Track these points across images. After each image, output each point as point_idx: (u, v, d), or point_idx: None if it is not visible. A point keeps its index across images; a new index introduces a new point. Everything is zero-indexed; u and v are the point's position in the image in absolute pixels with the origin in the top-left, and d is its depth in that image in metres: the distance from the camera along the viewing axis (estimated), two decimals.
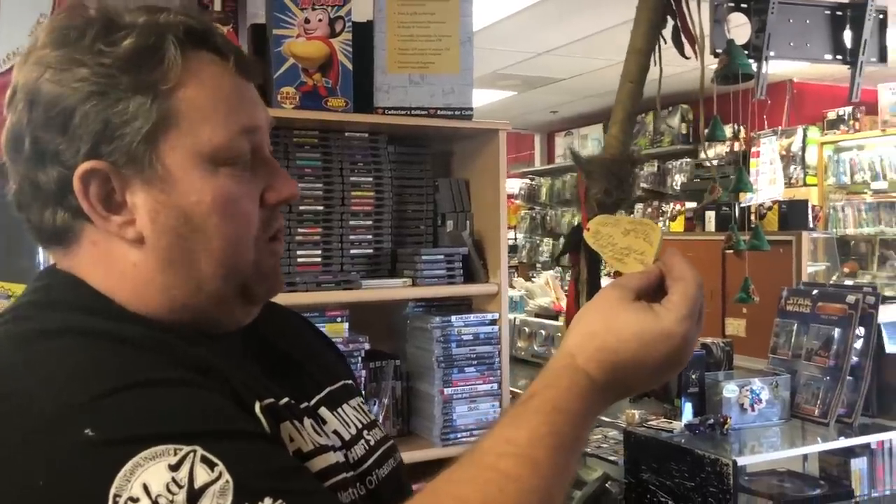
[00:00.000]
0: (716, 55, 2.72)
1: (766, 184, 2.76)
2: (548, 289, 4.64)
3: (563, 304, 4.02)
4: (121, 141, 0.70)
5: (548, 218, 8.02)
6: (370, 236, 2.12)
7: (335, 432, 0.84)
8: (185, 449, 0.58)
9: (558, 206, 7.85)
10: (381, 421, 2.09)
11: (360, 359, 1.99)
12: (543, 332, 3.86)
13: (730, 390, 2.71)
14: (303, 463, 0.72)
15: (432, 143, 2.28)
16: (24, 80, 0.72)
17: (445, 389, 2.08)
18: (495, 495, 0.62)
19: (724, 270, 3.33)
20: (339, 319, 2.03)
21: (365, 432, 0.88)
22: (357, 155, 2.11)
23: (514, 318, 4.07)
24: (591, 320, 0.73)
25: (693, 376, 2.77)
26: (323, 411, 0.85)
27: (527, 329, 3.98)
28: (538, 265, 7.60)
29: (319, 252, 2.06)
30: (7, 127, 0.73)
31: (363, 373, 2.00)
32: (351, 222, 2.09)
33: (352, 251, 2.09)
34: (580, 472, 3.46)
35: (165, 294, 0.74)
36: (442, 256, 2.12)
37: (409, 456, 2.07)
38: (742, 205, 2.70)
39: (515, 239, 8.79)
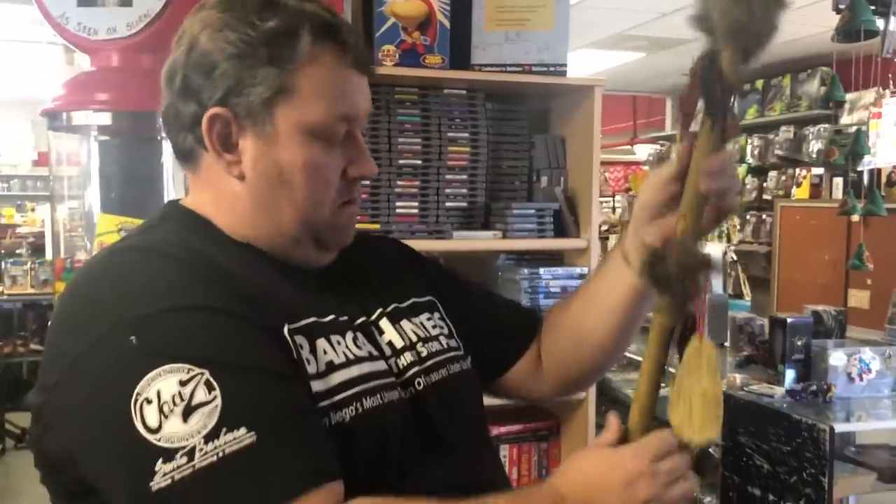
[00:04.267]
0: (838, 11, 2.61)
1: (890, 147, 2.62)
2: None
3: None
4: (246, 98, 0.86)
5: None
6: (465, 190, 2.22)
7: (389, 343, 0.97)
8: (196, 371, 0.72)
9: None
10: None
11: None
12: None
13: (837, 358, 2.64)
14: (331, 373, 0.84)
15: (530, 100, 2.34)
16: (191, 30, 0.89)
17: None
18: None
19: (849, 240, 3.20)
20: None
21: (419, 344, 1.00)
22: (454, 111, 2.20)
23: None
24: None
25: (799, 343, 2.71)
26: (383, 323, 0.98)
27: None
28: None
29: (416, 204, 2.17)
30: (169, 62, 0.91)
31: None
32: (447, 176, 2.19)
33: (447, 204, 2.19)
34: None
35: (254, 226, 0.91)
36: (533, 211, 2.19)
37: (493, 400, 2.18)
38: (860, 169, 2.58)
39: None
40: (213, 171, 0.91)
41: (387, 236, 1.26)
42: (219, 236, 0.90)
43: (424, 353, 1.00)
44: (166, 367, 0.72)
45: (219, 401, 0.71)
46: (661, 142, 8.26)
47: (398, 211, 2.15)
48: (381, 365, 0.93)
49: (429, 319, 1.06)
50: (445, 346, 1.04)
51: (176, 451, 0.69)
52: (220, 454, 0.69)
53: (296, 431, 0.75)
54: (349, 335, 0.91)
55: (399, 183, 2.15)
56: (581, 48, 6.12)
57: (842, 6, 2.62)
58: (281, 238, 0.91)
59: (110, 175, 1.89)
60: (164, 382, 0.71)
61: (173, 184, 1.91)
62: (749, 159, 6.68)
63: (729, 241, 6.33)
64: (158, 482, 0.68)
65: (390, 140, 2.14)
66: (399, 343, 0.98)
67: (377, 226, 2.09)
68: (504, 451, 2.30)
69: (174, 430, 0.69)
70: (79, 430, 0.75)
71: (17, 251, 6.21)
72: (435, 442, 0.94)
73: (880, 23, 2.53)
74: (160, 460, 0.69)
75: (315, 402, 0.81)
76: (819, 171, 4.01)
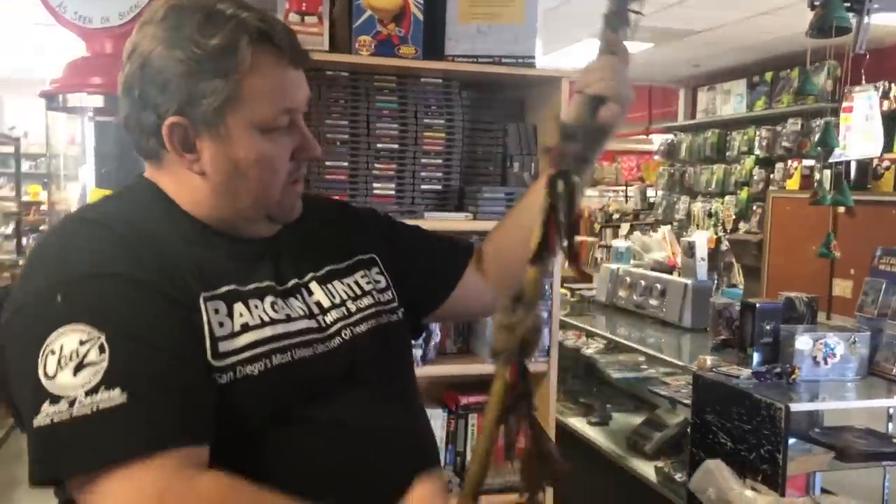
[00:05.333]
0: (813, 7, 2.70)
1: (860, 140, 2.70)
2: (664, 243, 4.68)
3: (679, 259, 4.08)
4: (199, 108, 0.98)
5: (686, 175, 7.88)
6: (440, 174, 2.35)
7: (317, 303, 1.11)
8: (95, 334, 0.85)
9: (698, 164, 7.69)
10: (439, 339, 2.34)
11: None
12: (643, 282, 3.95)
13: (803, 342, 2.74)
14: (244, 333, 0.97)
15: (506, 89, 2.46)
16: (141, 46, 0.99)
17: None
18: None
19: (836, 231, 3.28)
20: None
21: (349, 301, 1.14)
22: (431, 99, 2.33)
23: (618, 269, 4.18)
24: None
25: (767, 327, 2.81)
26: (313, 286, 1.12)
27: (628, 279, 4.08)
28: (673, 224, 7.52)
29: (393, 186, 2.31)
30: (124, 74, 1.02)
31: None
32: (423, 160, 2.32)
33: (422, 186, 2.33)
34: (663, 415, 3.58)
35: (212, 209, 1.06)
36: (503, 195, 2.31)
37: (466, 369, 2.32)
38: (832, 161, 2.67)
39: (656, 195, 8.70)
40: (175, 167, 1.04)
41: (333, 199, 1.41)
42: (176, 212, 1.04)
43: (353, 309, 1.13)
44: (73, 326, 0.85)
45: (105, 363, 0.83)
46: (674, 131, 8.31)
47: (375, 192, 2.28)
48: (304, 323, 1.06)
49: (363, 276, 1.19)
50: (376, 301, 1.18)
51: (60, 398, 0.82)
52: (95, 408, 0.81)
53: (167, 400, 0.86)
54: (268, 300, 1.03)
55: (377, 166, 2.29)
56: (586, 38, 6.20)
57: (816, 3, 2.71)
58: (235, 218, 1.06)
59: (105, 153, 2.04)
60: (67, 339, 0.84)
61: None
62: (756, 150, 6.74)
63: (725, 230, 6.40)
64: (39, 421, 0.82)
65: (368, 125, 2.27)
66: (326, 303, 1.11)
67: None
68: (473, 420, 2.44)
69: (64, 381, 0.82)
70: (9, 362, 0.91)
71: (41, 227, 6.49)
72: (351, 386, 1.06)
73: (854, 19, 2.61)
74: (47, 402, 0.82)
75: (221, 362, 0.94)
76: (810, 162, 4.08)
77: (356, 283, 1.18)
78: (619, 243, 4.38)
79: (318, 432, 1.00)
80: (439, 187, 2.35)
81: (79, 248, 0.96)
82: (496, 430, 0.89)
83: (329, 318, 1.10)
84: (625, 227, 8.49)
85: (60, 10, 1.88)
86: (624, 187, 9.99)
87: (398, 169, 2.31)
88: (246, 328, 0.98)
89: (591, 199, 10.46)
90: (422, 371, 2.29)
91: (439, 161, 2.34)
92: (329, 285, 1.14)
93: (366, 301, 1.16)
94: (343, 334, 1.09)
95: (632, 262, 4.36)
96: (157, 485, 0.80)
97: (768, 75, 6.77)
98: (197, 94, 0.97)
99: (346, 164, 2.26)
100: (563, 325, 3.99)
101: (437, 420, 2.41)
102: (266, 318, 1.01)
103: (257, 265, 1.07)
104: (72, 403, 0.81)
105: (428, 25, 2.19)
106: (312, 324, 1.07)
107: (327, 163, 2.23)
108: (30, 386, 0.84)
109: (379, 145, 2.29)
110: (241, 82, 0.98)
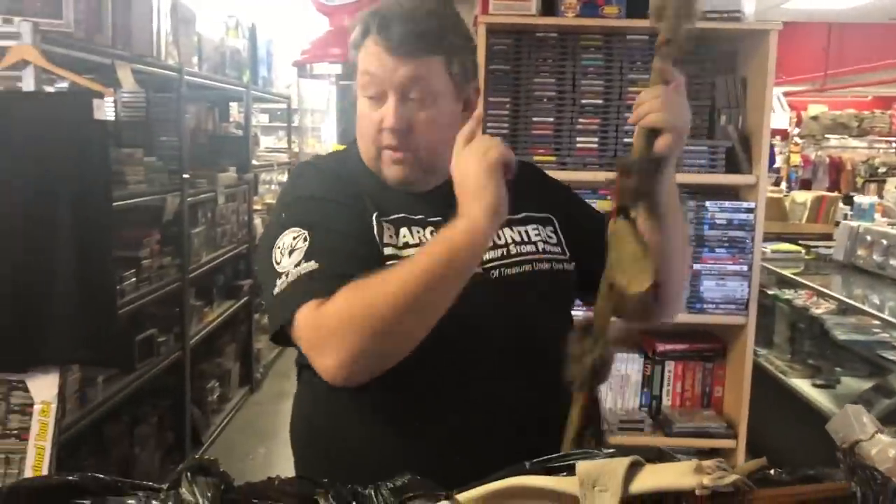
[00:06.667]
0: None
1: None
2: None
3: None
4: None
5: None
6: None
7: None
8: (302, 232, 1.16)
9: None
10: None
11: None
12: (885, 241, 3.70)
13: None
14: (405, 249, 1.20)
15: (716, 42, 2.47)
16: None
17: (695, 265, 2.36)
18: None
19: None
20: (608, 197, 2.41)
21: (512, 245, 1.28)
22: (636, 55, 2.41)
23: (858, 226, 3.94)
24: None
25: None
26: None
27: (868, 238, 3.84)
28: None
29: (596, 139, 2.44)
30: None
31: None
32: (626, 115, 2.42)
33: (625, 140, 2.43)
34: (894, 382, 3.38)
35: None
36: (706, 147, 2.36)
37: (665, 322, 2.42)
38: None
39: None
40: None
41: (526, 162, 1.49)
42: (363, 164, 1.31)
43: (513, 252, 1.28)
44: (289, 230, 1.18)
45: (306, 246, 1.14)
46: None
47: (578, 146, 2.43)
48: None
49: (535, 230, 1.33)
50: (541, 250, 1.30)
51: (282, 273, 1.14)
52: (298, 275, 1.12)
53: (345, 264, 1.12)
54: (429, 229, 1.22)
55: (580, 121, 2.43)
56: None
57: None
58: (366, 158, 1.28)
59: (344, 112, 2.38)
60: (286, 238, 1.17)
61: None
62: None
63: None
64: (277, 288, 1.14)
65: (574, 82, 2.41)
66: (489, 243, 1.26)
67: (553, 158, 2.40)
68: (669, 367, 2.54)
69: (284, 262, 1.15)
70: (259, 253, 1.27)
71: None
72: (472, 324, 1.18)
73: None
74: (278, 279, 1.14)
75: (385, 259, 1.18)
76: None
77: (526, 232, 1.31)
78: (863, 199, 4.10)
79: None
80: None
81: (297, 183, 1.30)
82: (572, 447, 1.02)
83: (488, 255, 1.24)
84: (892, 182, 7.74)
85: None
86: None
87: (602, 123, 2.43)
88: (406, 245, 1.20)
89: (855, 151, 9.62)
90: None
91: None
92: (502, 230, 1.28)
93: (529, 248, 1.29)
94: (491, 273, 1.24)
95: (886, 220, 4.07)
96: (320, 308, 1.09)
97: None
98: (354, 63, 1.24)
99: (551, 119, 2.42)
100: (793, 284, 3.87)
101: (634, 364, 2.55)
102: (425, 241, 1.20)
103: (427, 205, 1.26)
104: (288, 275, 1.12)
105: None
106: None
107: (533, 118, 2.41)
108: (267, 271, 1.17)
109: (583, 101, 2.42)
110: (357, 57, 1.22)
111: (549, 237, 1.32)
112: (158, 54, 3.05)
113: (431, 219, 1.24)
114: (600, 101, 2.42)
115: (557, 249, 1.32)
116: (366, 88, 1.22)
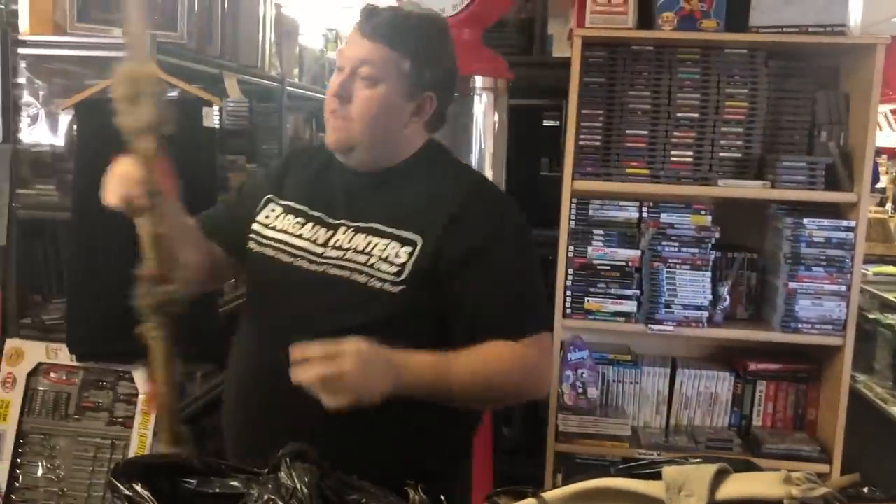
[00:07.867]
0: None
1: None
2: None
3: None
4: None
5: None
6: (739, 142, 2.40)
7: (334, 240, 1.35)
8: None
9: None
10: (727, 304, 2.41)
11: (709, 245, 2.35)
12: None
13: None
14: (270, 228, 1.42)
15: (818, 57, 2.41)
16: None
17: (790, 283, 2.30)
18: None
19: None
20: (702, 212, 2.39)
21: (350, 251, 1.31)
22: (734, 69, 2.38)
23: None
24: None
25: None
26: (341, 229, 1.35)
27: None
28: None
29: (691, 153, 2.41)
30: None
31: (712, 255, 2.36)
32: (722, 129, 2.39)
33: (720, 154, 2.40)
34: None
35: None
36: (805, 164, 2.30)
37: (752, 335, 2.38)
38: None
39: None
40: None
41: (490, 193, 1.44)
42: None
43: (344, 257, 1.31)
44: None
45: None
46: None
47: (672, 159, 2.41)
48: (308, 245, 1.35)
49: (388, 244, 1.30)
50: (368, 264, 1.29)
51: None
52: None
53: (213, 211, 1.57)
54: (302, 219, 1.39)
55: (675, 134, 2.41)
56: None
57: None
58: None
59: None
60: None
61: (482, 128, 2.39)
62: None
63: None
64: None
65: (670, 96, 2.40)
66: (335, 243, 1.33)
67: (647, 171, 2.39)
68: (761, 387, 2.48)
69: None
70: None
71: None
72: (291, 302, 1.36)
73: None
74: None
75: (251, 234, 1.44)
76: None
77: (375, 244, 1.31)
78: None
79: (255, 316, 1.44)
80: (738, 155, 2.40)
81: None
82: None
83: (326, 252, 1.33)
84: None
85: (409, 6, 2.27)
86: None
87: (697, 137, 2.41)
88: (273, 228, 1.41)
89: None
90: (708, 333, 2.40)
91: (740, 129, 2.39)
92: (354, 235, 1.33)
93: (361, 258, 1.30)
94: (312, 268, 1.33)
95: None
96: None
97: None
98: None
99: (645, 132, 2.41)
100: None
101: (724, 382, 2.50)
102: (290, 228, 1.39)
103: (329, 196, 1.40)
104: None
105: None
106: (311, 246, 1.35)
107: (627, 131, 2.41)
108: None
109: (679, 115, 2.41)
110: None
111: (397, 257, 1.30)
112: (262, 65, 3.19)
113: (313, 213, 1.39)
114: (696, 115, 2.40)
115: (392, 270, 1.29)
116: (337, 63, 1.37)
